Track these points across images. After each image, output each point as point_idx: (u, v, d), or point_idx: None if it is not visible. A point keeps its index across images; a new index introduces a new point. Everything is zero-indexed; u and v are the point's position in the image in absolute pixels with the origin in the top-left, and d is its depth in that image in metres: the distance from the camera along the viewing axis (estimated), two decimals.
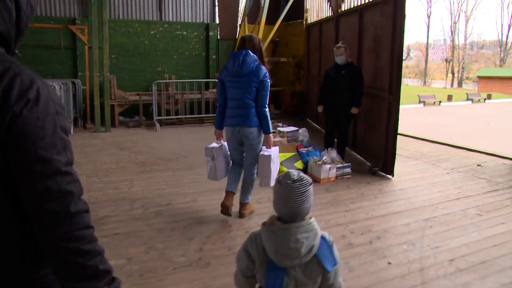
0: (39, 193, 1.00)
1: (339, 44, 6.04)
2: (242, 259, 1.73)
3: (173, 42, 11.71)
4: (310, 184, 1.62)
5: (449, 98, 28.79)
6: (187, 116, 10.41)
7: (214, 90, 10.50)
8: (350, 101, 6.00)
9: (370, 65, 6.54)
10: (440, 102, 25.46)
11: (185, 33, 11.78)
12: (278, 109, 12.37)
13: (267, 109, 4.06)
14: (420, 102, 24.98)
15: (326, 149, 6.05)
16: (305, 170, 5.82)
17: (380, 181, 5.67)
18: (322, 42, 9.58)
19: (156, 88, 9.80)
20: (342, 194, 5.11)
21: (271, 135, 4.13)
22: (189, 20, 11.95)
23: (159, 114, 10.09)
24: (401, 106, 5.62)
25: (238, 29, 12.25)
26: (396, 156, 5.83)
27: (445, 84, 55.94)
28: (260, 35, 10.44)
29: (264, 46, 10.58)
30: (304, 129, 6.75)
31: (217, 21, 12.19)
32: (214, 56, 12.10)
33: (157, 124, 9.76)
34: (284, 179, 1.61)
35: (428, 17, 74.18)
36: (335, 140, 6.38)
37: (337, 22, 8.28)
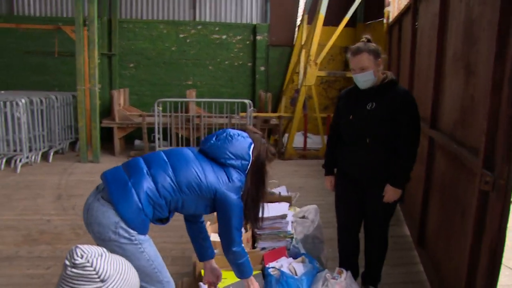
0: None
1: (358, 45, 2.72)
2: None
3: (209, 49, 9.07)
4: (102, 282, 1.10)
5: None
6: None
7: (243, 114, 7.56)
8: (387, 171, 2.68)
9: (455, 90, 3.03)
10: None
11: (225, 37, 9.06)
12: None
13: (238, 249, 2.17)
14: None
15: (335, 272, 2.77)
16: None
17: None
18: (401, 46, 6.08)
19: (161, 108, 7.20)
20: None
21: (252, 278, 2.33)
22: (231, 21, 9.18)
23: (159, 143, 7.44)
24: None
25: (296, 32, 9.16)
26: None
27: None
28: (316, 40, 7.32)
29: (319, 57, 7.35)
30: (312, 208, 3.47)
31: (269, 21, 9.22)
32: (262, 68, 9.17)
33: None
34: (66, 256, 1.14)
35: None
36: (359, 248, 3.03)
37: (415, 12, 4.79)
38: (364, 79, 2.70)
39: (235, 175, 2.10)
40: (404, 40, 5.63)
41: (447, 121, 3.15)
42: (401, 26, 6.10)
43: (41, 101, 7.16)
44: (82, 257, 1.11)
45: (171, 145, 7.53)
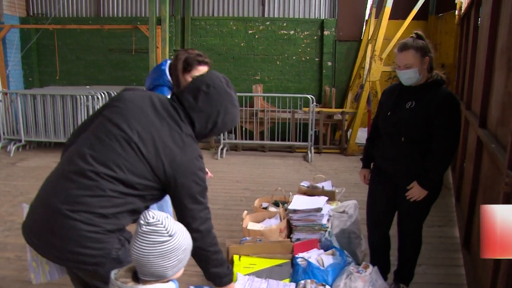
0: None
1: (406, 41, 2.66)
2: None
3: (277, 44, 9.25)
4: (170, 236, 1.37)
5: None
6: (266, 142, 7.78)
7: (306, 109, 7.62)
8: (420, 169, 2.65)
9: (499, 86, 2.90)
10: None
11: (292, 32, 9.16)
12: None
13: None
14: None
15: (361, 266, 2.81)
16: None
17: None
18: (468, 40, 5.76)
19: None
20: None
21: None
22: (299, 16, 9.24)
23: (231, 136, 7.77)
24: None
25: (364, 27, 8.99)
26: None
27: None
28: (381, 34, 7.18)
29: (385, 52, 7.24)
30: (352, 203, 3.49)
31: (337, 16, 9.14)
32: (329, 63, 9.15)
33: (220, 150, 7.46)
34: (140, 217, 1.40)
35: None
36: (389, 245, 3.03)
37: (478, 2, 4.56)
38: (407, 76, 2.64)
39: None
40: (470, 33, 5.35)
41: (492, 119, 3.02)
42: (469, 18, 5.79)
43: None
44: (153, 217, 1.38)
45: (236, 138, 7.83)
